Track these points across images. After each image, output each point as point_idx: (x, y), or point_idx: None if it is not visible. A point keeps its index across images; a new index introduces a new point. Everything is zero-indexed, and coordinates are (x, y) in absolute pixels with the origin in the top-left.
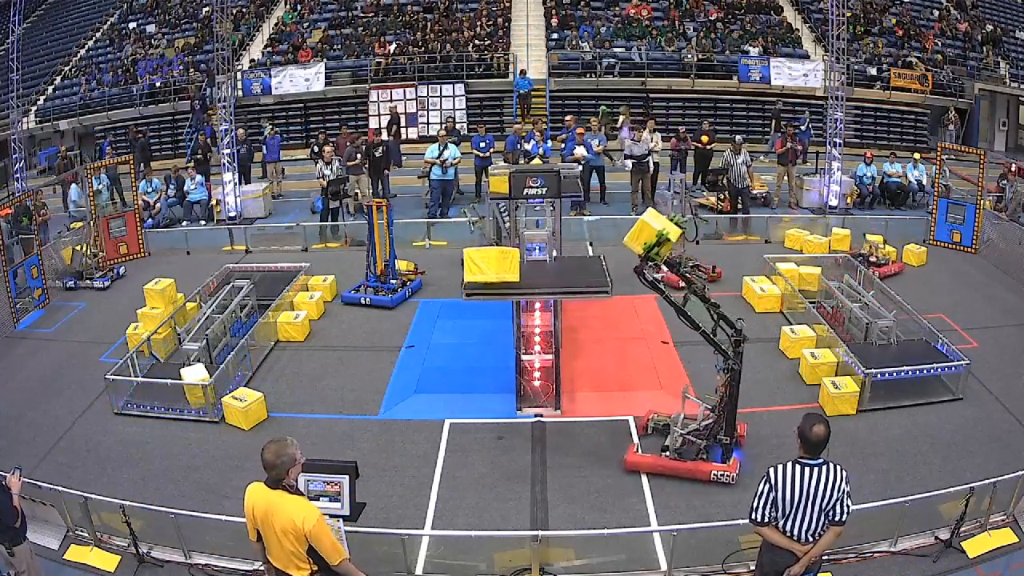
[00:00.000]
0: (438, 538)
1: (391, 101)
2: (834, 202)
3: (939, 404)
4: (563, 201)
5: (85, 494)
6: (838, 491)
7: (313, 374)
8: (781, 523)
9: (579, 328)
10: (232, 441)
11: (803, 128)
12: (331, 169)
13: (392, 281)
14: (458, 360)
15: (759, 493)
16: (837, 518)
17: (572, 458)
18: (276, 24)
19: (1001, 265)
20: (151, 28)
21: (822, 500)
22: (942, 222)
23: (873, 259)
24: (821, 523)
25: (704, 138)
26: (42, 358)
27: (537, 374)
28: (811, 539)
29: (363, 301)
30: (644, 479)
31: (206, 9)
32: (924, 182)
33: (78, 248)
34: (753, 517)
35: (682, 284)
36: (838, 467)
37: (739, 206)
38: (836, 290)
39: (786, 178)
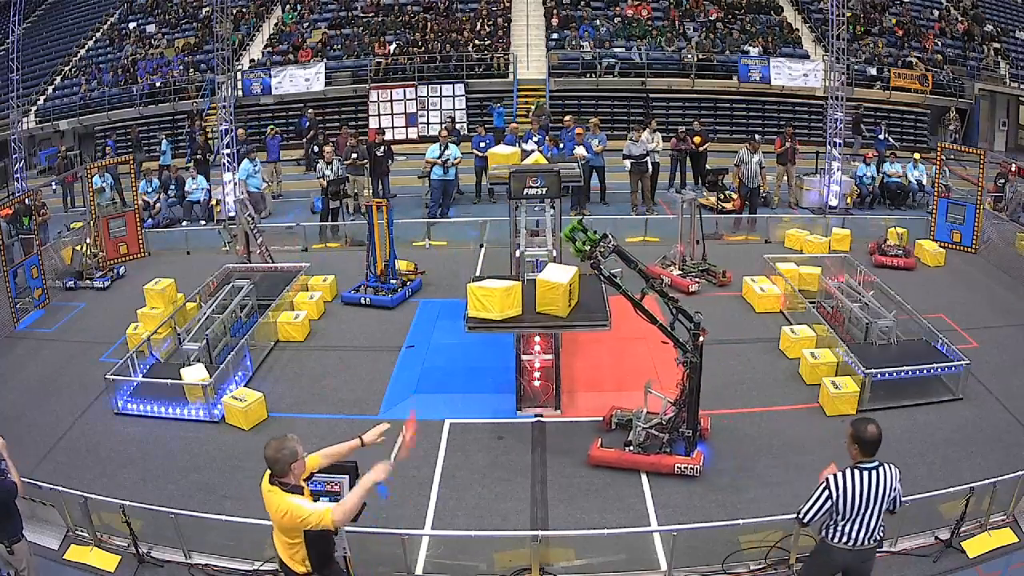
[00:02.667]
0: (438, 538)
1: (309, 109)
2: (834, 202)
3: (939, 404)
4: (563, 201)
5: (85, 494)
6: (892, 490)
7: (313, 374)
8: (842, 525)
9: None
10: (232, 441)
11: (880, 137)
12: (331, 169)
13: (392, 281)
14: (458, 360)
15: (817, 498)
16: (891, 509)
17: (572, 458)
18: (276, 24)
19: (1001, 265)
20: (151, 28)
21: (881, 501)
22: (942, 222)
23: (894, 251)
24: (880, 522)
25: (696, 139)
26: (42, 358)
27: (537, 374)
28: (871, 542)
29: (363, 301)
30: (644, 479)
31: (206, 9)
32: (924, 182)
33: (78, 248)
34: (800, 516)
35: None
36: (891, 466)
37: (746, 203)
38: (836, 290)
39: (786, 178)
